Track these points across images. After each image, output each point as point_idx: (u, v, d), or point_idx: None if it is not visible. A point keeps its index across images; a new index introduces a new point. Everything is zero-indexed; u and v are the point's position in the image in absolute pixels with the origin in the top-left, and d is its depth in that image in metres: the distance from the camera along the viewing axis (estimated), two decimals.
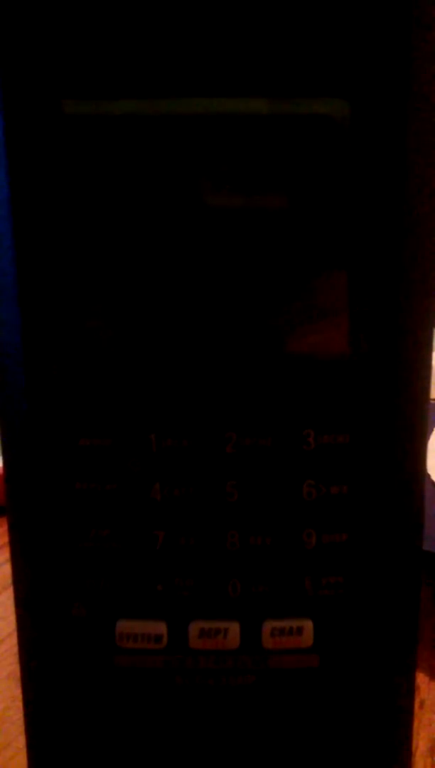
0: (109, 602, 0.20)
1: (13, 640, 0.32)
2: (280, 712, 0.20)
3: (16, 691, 0.29)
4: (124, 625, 0.20)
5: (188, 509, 0.19)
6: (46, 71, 0.18)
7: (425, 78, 0.18)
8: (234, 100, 0.18)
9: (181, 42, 0.18)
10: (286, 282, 0.19)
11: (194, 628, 0.20)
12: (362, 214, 0.18)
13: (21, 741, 0.27)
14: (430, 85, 0.18)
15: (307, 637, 0.20)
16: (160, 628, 0.20)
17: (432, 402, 0.23)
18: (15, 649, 0.32)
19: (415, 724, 0.28)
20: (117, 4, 0.17)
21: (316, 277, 0.19)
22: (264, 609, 0.20)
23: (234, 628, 0.20)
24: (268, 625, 0.20)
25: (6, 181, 0.18)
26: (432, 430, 0.34)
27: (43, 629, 0.20)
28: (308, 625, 0.20)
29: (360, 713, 0.21)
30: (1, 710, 0.29)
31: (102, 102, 0.18)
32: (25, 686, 0.21)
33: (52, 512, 0.20)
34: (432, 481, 0.31)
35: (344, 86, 0.18)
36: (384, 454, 0.20)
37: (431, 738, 0.28)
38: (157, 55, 0.18)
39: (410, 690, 0.21)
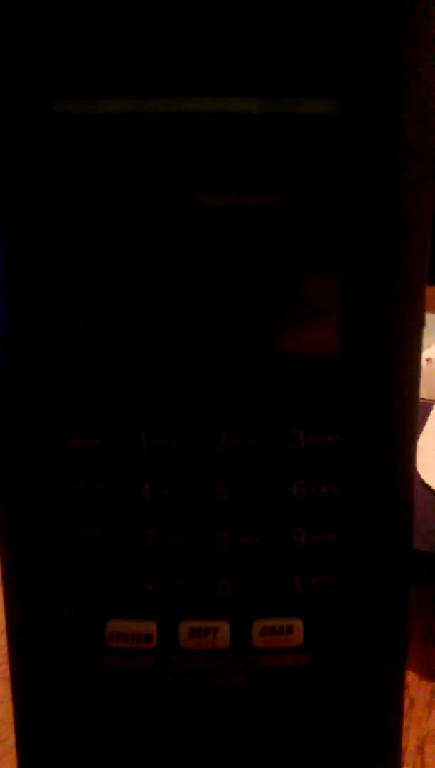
0: (99, 602, 0.20)
1: (3, 640, 0.32)
2: (271, 711, 0.20)
3: (6, 691, 0.29)
4: (114, 625, 0.20)
5: (178, 509, 0.19)
6: (35, 70, 0.18)
7: (416, 77, 0.18)
8: (224, 100, 0.18)
9: (172, 41, 0.18)
10: (276, 281, 0.19)
11: (184, 627, 0.20)
12: (353, 214, 0.18)
13: (11, 740, 0.27)
14: (421, 84, 0.18)
15: (297, 636, 0.20)
16: (150, 627, 0.20)
17: (421, 401, 0.23)
18: (4, 650, 0.31)
19: (405, 722, 0.28)
20: (108, 3, 0.17)
21: (307, 277, 0.19)
22: (254, 608, 0.20)
23: (224, 628, 0.20)
24: (258, 625, 0.20)
25: None
26: (421, 429, 0.34)
27: (33, 629, 0.20)
28: (298, 624, 0.20)
29: (350, 712, 0.21)
30: None
31: (92, 101, 0.18)
32: (14, 686, 0.21)
33: (42, 512, 0.20)
34: (421, 480, 0.31)
35: (335, 86, 0.18)
36: (374, 453, 0.20)
37: (421, 736, 0.28)
38: (147, 54, 0.18)
39: (400, 688, 0.21)
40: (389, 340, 0.19)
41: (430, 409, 0.35)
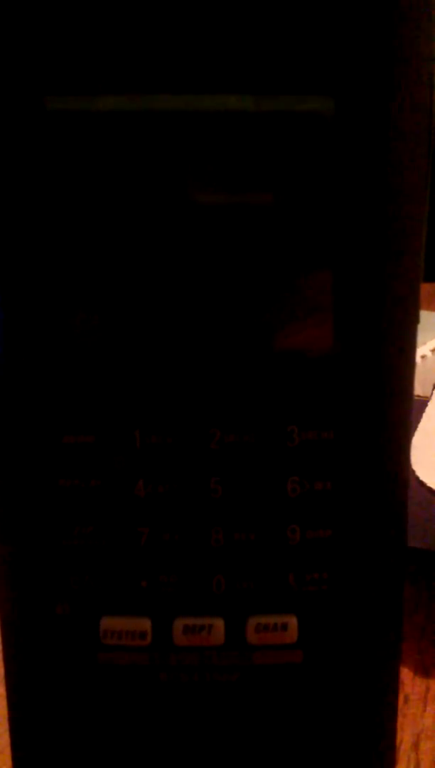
0: (93, 599, 0.20)
1: None
2: (265, 707, 0.20)
3: (1, 689, 0.29)
4: (108, 622, 0.20)
5: (172, 506, 0.19)
6: (27, 67, 0.18)
7: (410, 74, 0.18)
8: (219, 97, 0.18)
9: (166, 38, 0.17)
10: (271, 279, 0.19)
11: (179, 624, 0.20)
12: (348, 211, 0.18)
13: (5, 739, 0.27)
14: (416, 81, 0.18)
15: (292, 632, 0.20)
16: (145, 624, 0.20)
17: (416, 399, 0.23)
18: None
19: (400, 719, 0.28)
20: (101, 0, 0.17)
21: (301, 274, 0.19)
22: (248, 605, 0.20)
23: (218, 625, 0.20)
24: (253, 621, 0.20)
25: None
26: (416, 426, 0.34)
27: (28, 627, 0.20)
28: (292, 620, 0.20)
29: (344, 708, 0.21)
30: None
31: (86, 98, 0.18)
32: (8, 685, 0.21)
33: (36, 510, 0.20)
34: (416, 477, 0.31)
35: (329, 83, 0.18)
36: (368, 450, 0.20)
37: (416, 733, 0.28)
38: (140, 51, 0.18)
39: (394, 685, 0.21)
40: (384, 337, 0.19)
41: (424, 406, 0.35)
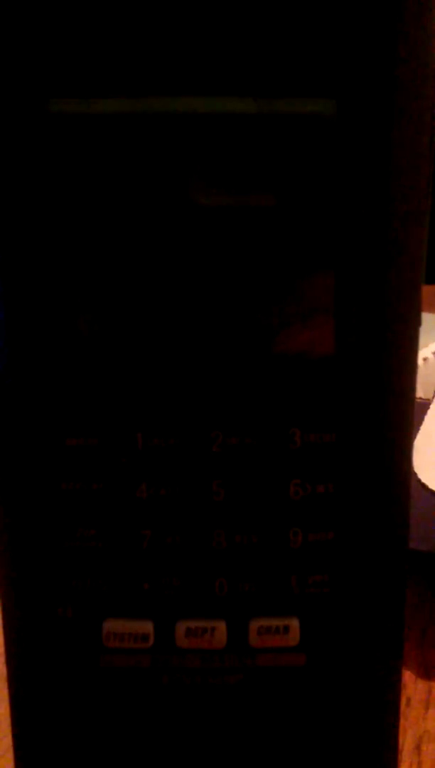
0: (95, 602, 0.20)
1: (0, 639, 0.32)
2: (268, 710, 0.20)
3: (3, 692, 0.29)
4: (110, 625, 0.20)
5: (174, 508, 0.19)
6: (31, 70, 0.18)
7: (412, 76, 0.18)
8: (221, 99, 0.18)
9: (169, 41, 0.17)
10: (272, 281, 0.19)
11: (181, 627, 0.20)
12: (349, 213, 0.18)
13: (8, 742, 0.27)
14: (418, 83, 0.18)
15: (294, 635, 0.20)
16: (147, 627, 0.20)
17: (417, 401, 0.23)
18: (1, 650, 0.31)
19: (402, 721, 0.28)
20: (104, 2, 0.17)
21: (303, 276, 0.19)
22: (250, 608, 0.20)
23: (221, 627, 0.20)
24: (255, 624, 0.20)
25: None
26: (418, 429, 0.34)
27: (30, 629, 0.20)
28: (295, 623, 0.20)
29: (347, 711, 0.21)
30: None
31: (88, 101, 0.18)
32: (11, 686, 0.21)
33: (38, 512, 0.20)
34: (418, 479, 0.31)
35: (332, 85, 0.18)
36: (370, 452, 0.20)
37: (417, 735, 0.28)
38: (143, 53, 0.18)
39: (396, 688, 0.21)
40: (385, 340, 0.19)
41: (426, 408, 0.35)
